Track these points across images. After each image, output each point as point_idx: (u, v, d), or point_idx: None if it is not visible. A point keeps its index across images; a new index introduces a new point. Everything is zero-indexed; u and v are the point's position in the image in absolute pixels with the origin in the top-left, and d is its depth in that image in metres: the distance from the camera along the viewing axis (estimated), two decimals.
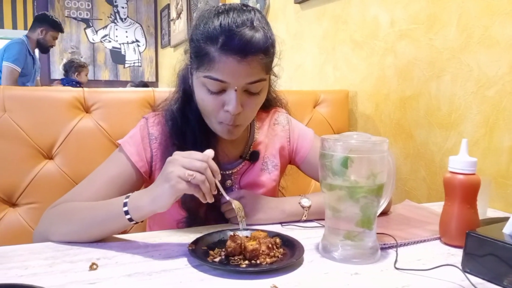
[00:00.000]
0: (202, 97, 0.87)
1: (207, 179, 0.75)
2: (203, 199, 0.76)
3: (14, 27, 5.37)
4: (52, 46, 3.84)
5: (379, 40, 1.55)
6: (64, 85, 4.03)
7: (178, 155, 0.77)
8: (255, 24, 0.83)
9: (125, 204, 0.78)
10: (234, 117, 0.86)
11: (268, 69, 0.89)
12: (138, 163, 0.94)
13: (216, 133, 0.93)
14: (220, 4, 0.89)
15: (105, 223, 0.81)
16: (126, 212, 0.77)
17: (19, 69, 3.49)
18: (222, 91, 0.85)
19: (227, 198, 0.84)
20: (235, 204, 0.84)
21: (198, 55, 0.85)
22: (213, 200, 0.77)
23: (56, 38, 3.82)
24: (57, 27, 3.77)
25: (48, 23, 3.69)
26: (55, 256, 0.75)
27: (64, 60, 4.47)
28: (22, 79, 3.60)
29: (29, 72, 3.68)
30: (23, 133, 1.18)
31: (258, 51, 0.82)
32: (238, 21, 0.81)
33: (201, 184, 0.74)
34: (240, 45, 0.80)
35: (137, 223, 0.79)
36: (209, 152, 0.78)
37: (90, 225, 0.82)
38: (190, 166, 0.74)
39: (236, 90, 0.84)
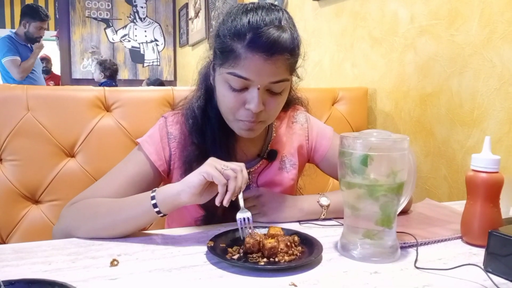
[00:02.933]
0: (224, 94, 0.87)
1: (237, 180, 0.78)
2: (221, 196, 0.77)
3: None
4: (40, 37, 3.73)
5: (399, 37, 1.53)
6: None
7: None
8: (283, 24, 0.83)
9: (152, 198, 0.80)
10: (255, 115, 0.87)
11: (292, 69, 0.89)
12: (157, 162, 0.95)
13: (235, 132, 0.94)
14: (249, 2, 0.89)
15: (133, 217, 0.83)
16: (153, 198, 0.80)
17: (17, 57, 3.49)
18: (244, 89, 0.85)
19: (241, 204, 0.83)
20: (244, 214, 0.82)
21: (224, 51, 0.85)
22: (228, 205, 0.78)
23: (42, 28, 3.71)
24: (38, 17, 3.65)
25: (28, 15, 3.63)
26: (77, 252, 0.76)
27: (97, 62, 4.43)
28: (31, 75, 3.62)
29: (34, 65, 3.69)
30: (46, 131, 1.21)
31: (285, 51, 0.82)
32: (267, 20, 0.81)
33: (230, 179, 0.78)
34: (267, 44, 0.80)
35: (164, 215, 0.82)
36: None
37: (118, 221, 0.83)
38: (226, 164, 0.80)
39: (258, 89, 0.84)
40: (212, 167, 0.78)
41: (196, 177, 0.78)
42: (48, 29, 6.36)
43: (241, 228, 0.81)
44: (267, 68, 0.82)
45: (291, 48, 0.83)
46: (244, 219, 0.82)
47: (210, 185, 0.80)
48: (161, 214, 0.81)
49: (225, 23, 0.85)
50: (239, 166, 0.80)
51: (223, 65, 0.85)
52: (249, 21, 0.81)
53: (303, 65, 0.94)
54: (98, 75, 4.25)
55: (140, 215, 0.82)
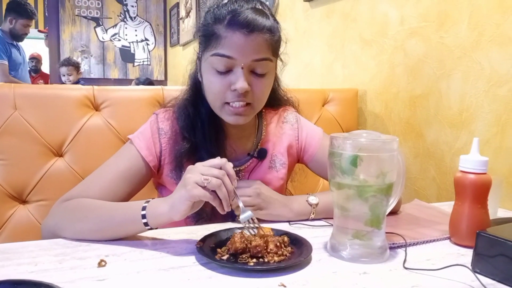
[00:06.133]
0: (210, 79, 0.89)
1: (225, 185, 0.74)
2: (220, 208, 0.75)
3: None
4: (25, 34, 3.66)
5: (389, 38, 1.54)
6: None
7: (198, 164, 0.78)
8: (260, 7, 0.88)
9: (143, 208, 0.78)
10: (241, 96, 0.87)
11: (274, 50, 0.91)
12: (148, 157, 0.95)
13: (224, 125, 0.95)
14: None
15: (121, 226, 0.81)
16: (143, 216, 0.77)
17: (5, 62, 3.41)
18: (229, 71, 0.87)
19: (241, 205, 0.81)
20: (247, 215, 0.81)
21: (206, 35, 0.89)
22: (230, 209, 0.76)
23: (28, 25, 3.63)
24: (25, 15, 3.57)
25: (15, 12, 3.53)
26: (64, 252, 0.76)
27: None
28: (14, 73, 3.54)
29: (19, 63, 3.62)
30: (34, 130, 1.19)
31: (264, 29, 0.86)
32: (245, 5, 0.87)
33: (217, 189, 0.74)
34: (246, 21, 0.84)
35: (151, 229, 0.79)
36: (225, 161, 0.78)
37: (106, 225, 0.82)
38: (208, 172, 0.74)
39: (242, 68, 0.86)
40: (195, 186, 0.73)
41: (183, 203, 0.75)
42: (37, 28, 6.30)
43: (248, 228, 0.81)
44: (248, 45, 0.85)
45: (269, 27, 0.87)
46: (249, 221, 0.81)
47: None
48: (149, 228, 0.79)
49: (208, 13, 0.91)
50: (220, 170, 0.75)
51: (207, 49, 0.89)
52: (228, 7, 0.87)
53: (286, 52, 0.97)
54: (75, 76, 4.14)
55: (129, 225, 0.81)
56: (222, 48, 0.85)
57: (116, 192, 0.90)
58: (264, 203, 0.93)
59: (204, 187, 0.73)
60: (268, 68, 0.90)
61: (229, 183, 0.75)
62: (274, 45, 0.90)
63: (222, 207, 0.76)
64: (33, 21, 3.76)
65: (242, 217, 0.81)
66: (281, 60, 0.98)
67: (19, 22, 3.56)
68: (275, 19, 0.91)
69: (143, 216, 0.78)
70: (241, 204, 0.82)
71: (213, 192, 0.74)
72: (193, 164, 0.79)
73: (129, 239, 0.83)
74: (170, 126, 0.98)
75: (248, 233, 0.79)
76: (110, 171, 0.93)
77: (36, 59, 5.22)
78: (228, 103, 0.89)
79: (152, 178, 1.01)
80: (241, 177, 1.01)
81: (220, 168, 0.76)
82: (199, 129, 0.94)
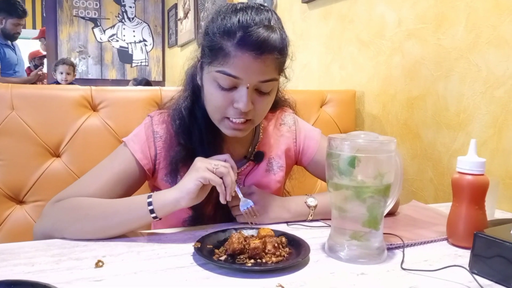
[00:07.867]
0: (212, 92, 0.87)
1: (231, 174, 0.83)
2: (223, 196, 0.83)
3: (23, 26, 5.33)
4: (18, 33, 3.60)
5: (386, 40, 1.55)
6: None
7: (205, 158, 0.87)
8: (272, 24, 0.84)
9: (149, 204, 0.81)
10: (243, 114, 0.86)
11: (280, 69, 0.89)
12: (142, 161, 0.94)
13: (222, 132, 0.93)
14: (238, 2, 0.89)
15: (126, 220, 0.83)
16: (150, 204, 0.81)
17: None
18: (233, 87, 0.85)
19: (241, 196, 0.90)
20: (247, 203, 0.90)
21: (213, 49, 0.84)
22: (230, 199, 0.84)
23: (19, 24, 3.56)
24: (15, 14, 3.50)
25: (5, 11, 3.47)
26: (61, 253, 0.75)
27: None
28: (10, 72, 3.51)
29: (14, 64, 3.59)
30: (31, 131, 1.19)
31: (274, 50, 0.83)
32: (256, 19, 0.82)
33: (224, 175, 0.82)
34: (257, 42, 0.80)
35: (156, 218, 0.83)
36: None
37: (110, 221, 0.82)
38: (216, 162, 0.84)
39: (247, 88, 0.84)
40: (205, 170, 0.81)
41: (193, 183, 0.81)
42: (35, 28, 6.28)
43: (248, 217, 0.91)
44: (256, 66, 0.82)
45: (280, 48, 0.84)
46: (247, 208, 0.90)
47: (203, 185, 0.82)
48: (158, 219, 0.82)
49: (215, 21, 0.85)
50: (227, 163, 0.85)
51: (212, 63, 0.85)
52: (239, 20, 0.82)
53: (290, 65, 0.94)
54: (72, 76, 4.08)
55: (135, 220, 0.83)
56: (229, 67, 0.82)
57: (110, 194, 0.89)
58: (261, 208, 0.93)
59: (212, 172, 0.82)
60: (272, 86, 0.88)
61: (233, 175, 0.84)
62: (281, 64, 0.88)
63: (225, 195, 0.83)
64: (25, 19, 3.69)
65: (241, 204, 0.90)
66: (285, 76, 0.96)
67: (9, 21, 3.50)
68: (285, 33, 0.88)
69: (149, 204, 0.81)
70: (240, 194, 0.90)
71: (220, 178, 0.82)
72: (189, 168, 0.85)
73: (126, 239, 0.83)
74: (166, 130, 0.97)
75: (246, 233, 0.79)
76: (104, 173, 0.93)
77: (45, 57, 5.10)
78: (228, 118, 0.88)
79: (148, 181, 1.01)
80: (238, 180, 1.00)
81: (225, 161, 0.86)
82: (196, 134, 0.93)
